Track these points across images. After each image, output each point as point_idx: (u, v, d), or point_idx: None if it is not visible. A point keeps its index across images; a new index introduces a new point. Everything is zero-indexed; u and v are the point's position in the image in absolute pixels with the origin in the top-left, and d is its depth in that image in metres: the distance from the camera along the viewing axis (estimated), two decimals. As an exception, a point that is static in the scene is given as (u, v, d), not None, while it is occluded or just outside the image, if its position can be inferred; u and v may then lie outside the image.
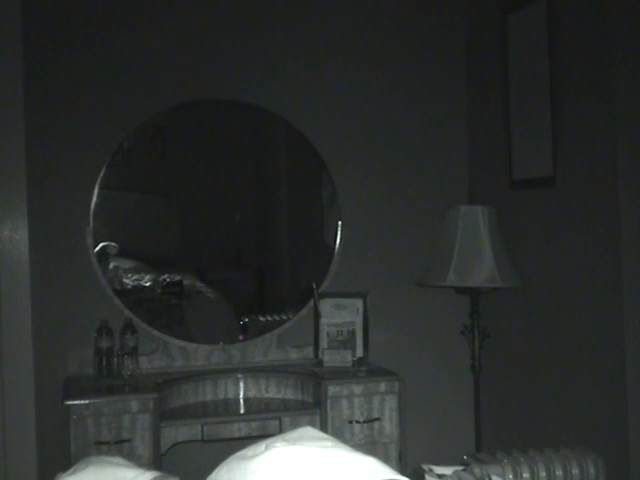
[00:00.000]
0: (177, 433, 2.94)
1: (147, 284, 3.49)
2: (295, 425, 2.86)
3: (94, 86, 3.31)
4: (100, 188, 3.30)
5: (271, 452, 1.07)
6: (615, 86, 2.70)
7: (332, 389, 3.06)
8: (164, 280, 3.52)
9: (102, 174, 3.30)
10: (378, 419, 3.08)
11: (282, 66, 3.51)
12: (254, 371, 3.33)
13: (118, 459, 1.35)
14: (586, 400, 2.88)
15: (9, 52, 3.11)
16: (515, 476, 2.33)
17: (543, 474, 2.38)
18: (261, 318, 3.57)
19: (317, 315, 3.40)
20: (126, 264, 3.46)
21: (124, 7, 3.34)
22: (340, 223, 3.55)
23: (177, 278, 3.54)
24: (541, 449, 2.49)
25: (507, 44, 3.30)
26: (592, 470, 2.42)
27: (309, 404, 3.17)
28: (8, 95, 3.11)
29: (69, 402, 2.83)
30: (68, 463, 2.61)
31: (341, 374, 3.18)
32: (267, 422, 3.03)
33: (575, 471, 2.40)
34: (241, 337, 3.51)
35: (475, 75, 3.67)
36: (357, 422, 3.06)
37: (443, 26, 3.69)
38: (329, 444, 1.11)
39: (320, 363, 3.32)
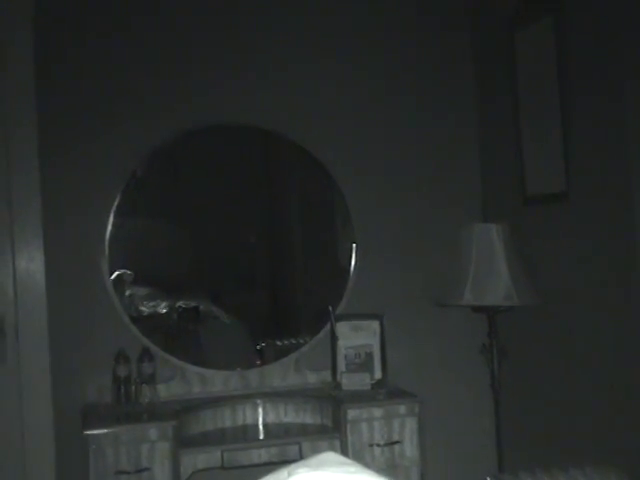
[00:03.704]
0: (197, 460, 2.92)
1: (163, 311, 3.49)
2: (315, 450, 2.84)
3: (107, 114, 3.33)
4: (115, 216, 3.31)
5: (294, 479, 1.06)
6: (626, 100, 2.69)
7: (352, 413, 3.04)
8: (180, 307, 3.52)
9: (117, 202, 3.32)
10: (398, 442, 3.05)
11: (292, 91, 3.52)
12: (272, 396, 3.31)
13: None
14: (609, 418, 2.84)
15: (22, 83, 3.14)
16: (540, 496, 2.29)
17: (568, 494, 2.34)
18: (278, 342, 3.56)
19: (334, 338, 3.39)
20: (142, 291, 3.46)
21: (139, 35, 3.38)
22: (354, 245, 3.54)
23: (193, 304, 3.54)
24: (565, 468, 2.45)
25: (515, 60, 3.31)
26: (618, 488, 2.38)
27: (328, 428, 3.14)
28: (22, 125, 3.15)
29: (88, 432, 2.82)
30: (88, 493, 2.61)
31: (360, 397, 3.16)
32: (287, 447, 3.00)
33: (600, 490, 2.36)
34: (258, 362, 3.50)
35: (485, 92, 3.67)
36: (377, 445, 3.03)
37: (451, 44, 3.70)
38: (352, 469, 1.10)
39: (338, 386, 3.30)
